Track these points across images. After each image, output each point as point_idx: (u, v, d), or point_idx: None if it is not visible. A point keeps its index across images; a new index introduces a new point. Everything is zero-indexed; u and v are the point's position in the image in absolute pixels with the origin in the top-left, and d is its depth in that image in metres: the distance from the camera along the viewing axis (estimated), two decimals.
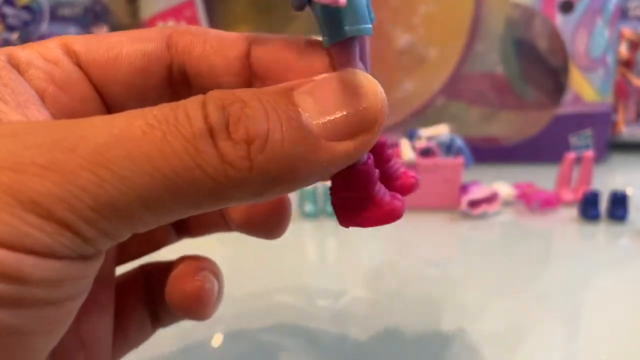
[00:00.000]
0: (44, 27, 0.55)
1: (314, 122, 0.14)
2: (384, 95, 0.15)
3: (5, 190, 0.12)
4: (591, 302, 0.32)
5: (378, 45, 0.60)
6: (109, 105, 0.18)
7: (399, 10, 0.59)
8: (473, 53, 0.60)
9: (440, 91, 0.61)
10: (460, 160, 0.46)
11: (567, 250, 0.40)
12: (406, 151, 0.46)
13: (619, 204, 0.44)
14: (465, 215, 0.45)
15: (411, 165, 0.45)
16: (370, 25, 0.15)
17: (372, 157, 0.16)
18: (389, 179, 0.18)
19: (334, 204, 0.17)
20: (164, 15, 0.58)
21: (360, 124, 0.14)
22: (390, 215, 0.16)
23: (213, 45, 0.18)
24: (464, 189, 0.46)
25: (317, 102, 0.14)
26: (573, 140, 0.62)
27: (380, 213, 0.16)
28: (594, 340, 0.27)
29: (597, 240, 0.42)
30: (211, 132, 0.13)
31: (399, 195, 0.17)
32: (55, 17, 0.56)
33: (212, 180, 0.13)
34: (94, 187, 0.12)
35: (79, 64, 0.18)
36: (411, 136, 0.47)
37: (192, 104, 0.14)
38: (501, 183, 0.48)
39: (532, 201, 0.46)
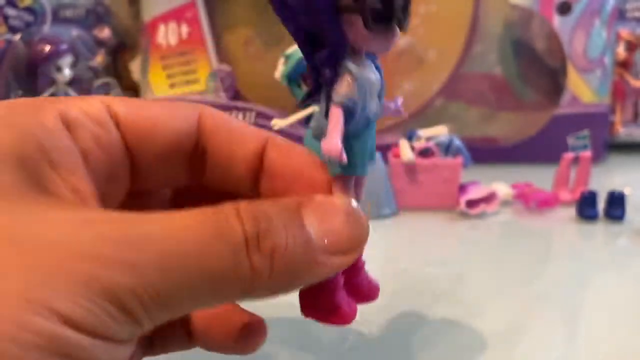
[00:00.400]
0: (46, 28, 0.55)
1: (317, 240, 0.17)
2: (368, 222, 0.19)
3: (86, 278, 0.13)
4: (589, 302, 0.32)
5: None
6: (136, 167, 0.20)
7: None
8: (472, 54, 0.60)
9: (439, 92, 0.61)
10: (459, 160, 0.46)
11: (565, 250, 0.40)
12: (405, 151, 0.46)
13: (616, 204, 0.44)
14: (464, 215, 0.45)
15: (410, 165, 0.46)
16: (367, 168, 0.19)
17: None
18: (356, 286, 0.21)
19: (300, 296, 0.20)
20: (165, 17, 0.59)
21: (351, 245, 0.18)
22: (342, 321, 0.20)
23: (236, 135, 0.20)
24: (462, 189, 0.46)
25: (321, 224, 0.17)
26: (571, 140, 0.62)
27: (335, 317, 0.20)
28: (592, 339, 0.28)
29: (595, 240, 0.42)
30: (247, 244, 0.15)
31: (353, 304, 0.20)
32: (57, 18, 0.56)
33: (242, 284, 0.16)
34: (159, 282, 0.14)
35: (117, 125, 0.19)
36: (410, 137, 0.47)
37: (230, 211, 0.16)
38: (500, 183, 0.48)
39: (530, 201, 0.47)
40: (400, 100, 0.22)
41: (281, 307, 0.31)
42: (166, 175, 0.21)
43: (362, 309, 0.30)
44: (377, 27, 0.16)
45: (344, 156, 0.17)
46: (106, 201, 0.18)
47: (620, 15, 0.67)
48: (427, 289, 0.33)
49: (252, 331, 0.22)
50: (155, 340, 0.22)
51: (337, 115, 0.17)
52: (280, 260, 0.16)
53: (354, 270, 0.21)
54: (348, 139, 0.18)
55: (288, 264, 0.16)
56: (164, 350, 0.22)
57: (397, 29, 0.17)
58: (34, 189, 0.15)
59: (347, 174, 0.18)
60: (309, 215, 0.17)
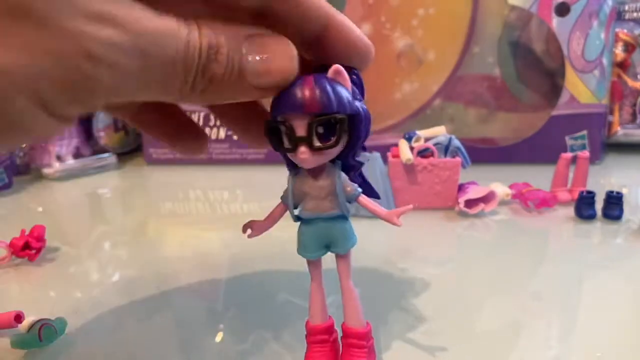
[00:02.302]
0: None
1: (251, 73, 0.19)
2: None
3: None
4: (587, 301, 0.32)
5: (377, 48, 0.60)
6: None
7: (398, 13, 0.59)
8: (470, 55, 0.60)
9: (438, 92, 0.61)
10: (457, 160, 0.46)
11: (563, 250, 0.41)
12: (404, 152, 0.46)
13: (614, 204, 0.44)
14: (463, 215, 0.46)
15: (409, 165, 0.46)
16: (314, 254, 0.24)
17: None
18: None
19: None
20: None
21: (279, 83, 0.20)
22: None
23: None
24: (461, 188, 0.47)
25: (261, 63, 0.19)
26: (569, 141, 0.63)
27: None
28: (589, 338, 0.28)
29: (593, 239, 0.42)
30: (196, 70, 0.18)
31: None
32: None
33: (179, 94, 0.19)
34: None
35: None
36: (409, 137, 0.48)
37: (194, 33, 0.18)
38: (498, 183, 0.49)
39: (528, 201, 0.47)
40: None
41: (282, 305, 0.31)
42: None
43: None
44: (283, 152, 0.22)
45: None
46: None
47: (619, 16, 0.67)
48: (425, 288, 0.33)
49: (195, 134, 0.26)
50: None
51: (277, 206, 0.23)
52: (215, 86, 0.19)
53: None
54: (301, 225, 0.23)
55: (219, 90, 0.19)
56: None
57: (305, 148, 0.21)
58: None
59: (300, 254, 0.24)
60: (253, 48, 0.19)
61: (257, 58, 0.19)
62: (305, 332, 0.25)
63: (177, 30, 0.17)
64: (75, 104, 0.16)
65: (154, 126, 0.27)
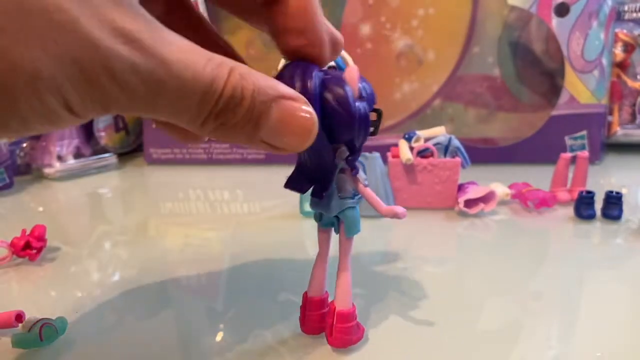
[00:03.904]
0: None
1: (264, 136, 0.20)
2: None
3: None
4: (586, 300, 0.32)
5: (377, 48, 0.60)
6: None
7: (398, 13, 0.60)
8: (470, 55, 0.61)
9: (438, 93, 0.62)
10: (457, 160, 0.46)
11: (562, 250, 0.41)
12: (404, 152, 0.46)
13: (614, 204, 0.44)
14: (463, 215, 0.46)
15: (409, 165, 0.46)
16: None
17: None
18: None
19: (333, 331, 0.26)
20: None
21: (287, 148, 0.21)
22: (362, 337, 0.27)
23: None
24: (461, 188, 0.47)
25: (277, 131, 0.20)
26: (568, 141, 0.63)
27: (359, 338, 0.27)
28: (589, 337, 0.28)
29: (593, 239, 0.42)
30: (212, 109, 0.18)
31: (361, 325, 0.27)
32: None
33: (191, 127, 0.19)
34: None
35: None
36: (409, 137, 0.48)
37: (224, 72, 0.18)
38: (498, 183, 0.49)
39: (528, 201, 0.47)
40: None
41: (282, 305, 0.31)
42: None
43: (360, 305, 0.30)
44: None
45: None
46: None
47: (618, 16, 0.67)
48: (425, 288, 0.33)
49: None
50: None
51: (371, 192, 0.25)
52: (225, 130, 0.19)
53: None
54: (356, 207, 0.25)
55: (228, 134, 0.19)
56: None
57: None
58: None
59: (357, 233, 0.26)
60: (281, 110, 0.19)
61: (280, 123, 0.19)
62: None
63: (202, 70, 0.17)
64: (94, 109, 0.17)
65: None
